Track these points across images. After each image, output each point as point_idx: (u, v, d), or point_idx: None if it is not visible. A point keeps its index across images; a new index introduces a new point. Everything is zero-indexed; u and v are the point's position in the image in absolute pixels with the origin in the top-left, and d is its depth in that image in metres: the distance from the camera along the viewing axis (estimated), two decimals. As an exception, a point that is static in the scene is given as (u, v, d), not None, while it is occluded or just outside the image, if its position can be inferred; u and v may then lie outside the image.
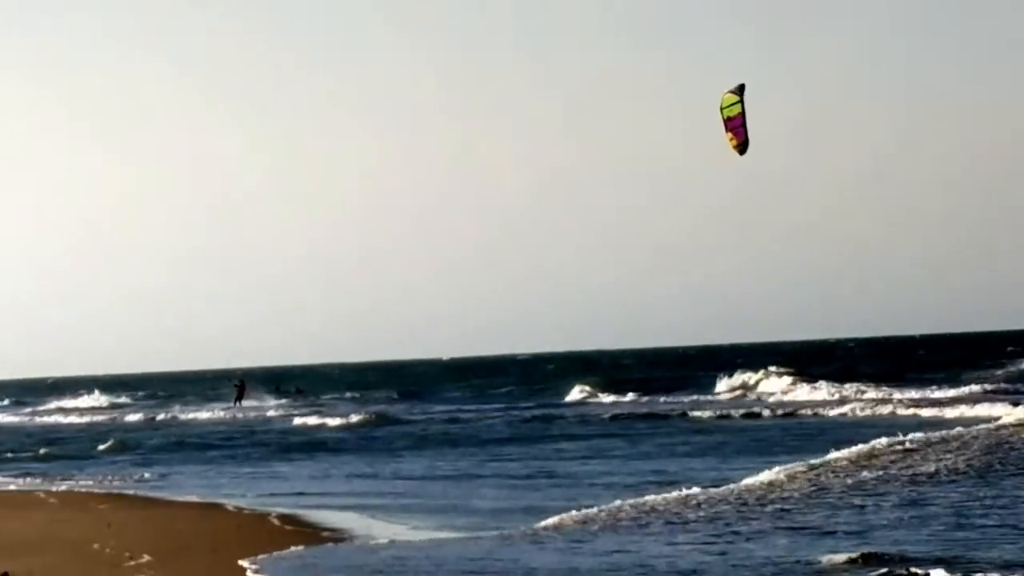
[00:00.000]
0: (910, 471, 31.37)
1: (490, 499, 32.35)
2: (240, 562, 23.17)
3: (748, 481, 30.71)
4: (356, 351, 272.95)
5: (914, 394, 66.97)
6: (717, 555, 22.31)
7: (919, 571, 20.04)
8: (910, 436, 36.91)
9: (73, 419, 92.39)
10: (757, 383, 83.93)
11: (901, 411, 56.18)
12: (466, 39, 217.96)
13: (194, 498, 35.78)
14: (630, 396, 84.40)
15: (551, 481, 36.38)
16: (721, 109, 21.08)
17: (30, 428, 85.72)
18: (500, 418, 69.69)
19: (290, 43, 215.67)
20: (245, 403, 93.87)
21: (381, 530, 28.00)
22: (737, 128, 21.03)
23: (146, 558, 23.77)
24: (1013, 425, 42.69)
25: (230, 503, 33.76)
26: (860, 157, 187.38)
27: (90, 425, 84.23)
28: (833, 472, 31.55)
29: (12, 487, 41.15)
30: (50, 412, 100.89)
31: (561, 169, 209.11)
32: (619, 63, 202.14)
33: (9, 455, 56.50)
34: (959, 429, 40.50)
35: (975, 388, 68.54)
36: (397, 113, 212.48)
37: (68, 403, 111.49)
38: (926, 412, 54.72)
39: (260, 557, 23.73)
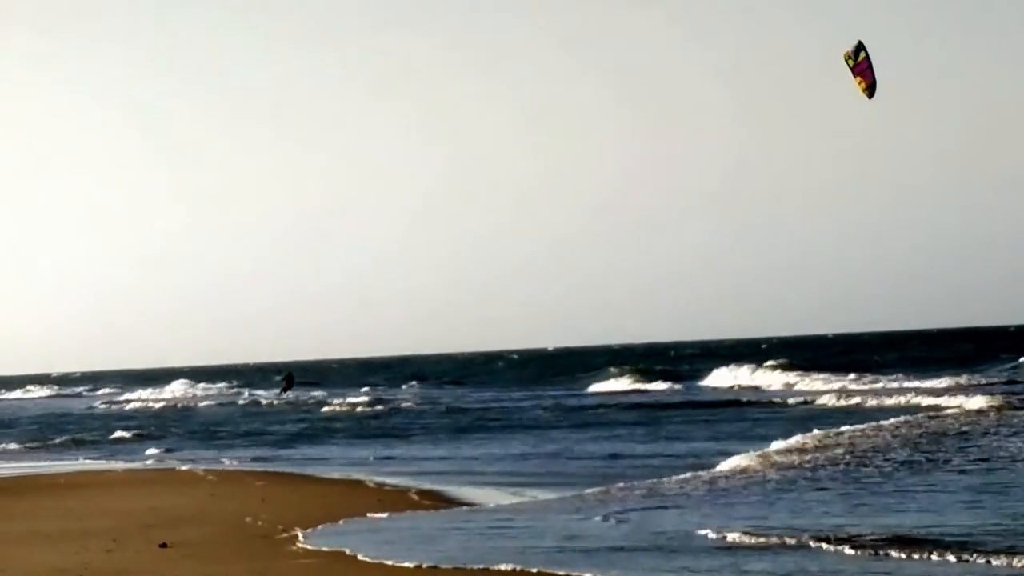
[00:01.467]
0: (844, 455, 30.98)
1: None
2: (296, 532, 22.50)
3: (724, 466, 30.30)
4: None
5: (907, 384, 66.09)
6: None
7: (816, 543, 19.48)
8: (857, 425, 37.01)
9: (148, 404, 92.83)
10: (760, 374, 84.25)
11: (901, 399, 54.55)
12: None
13: (336, 475, 34.65)
14: (665, 385, 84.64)
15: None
16: (845, 60, 20.50)
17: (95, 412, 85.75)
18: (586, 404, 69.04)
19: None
20: (290, 393, 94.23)
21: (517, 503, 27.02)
22: (864, 71, 20.26)
23: (296, 530, 22.81)
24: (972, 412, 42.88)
25: (370, 480, 32.55)
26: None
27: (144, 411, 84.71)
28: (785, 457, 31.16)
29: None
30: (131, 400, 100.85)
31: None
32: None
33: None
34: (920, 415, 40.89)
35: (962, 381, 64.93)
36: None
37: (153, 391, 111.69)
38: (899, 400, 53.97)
39: (320, 527, 23.15)
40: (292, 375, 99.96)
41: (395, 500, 27.67)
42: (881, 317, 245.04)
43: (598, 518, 23.20)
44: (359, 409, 72.24)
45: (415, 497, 28.24)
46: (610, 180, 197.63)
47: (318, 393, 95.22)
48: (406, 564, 19.32)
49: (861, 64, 20.13)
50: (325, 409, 73.87)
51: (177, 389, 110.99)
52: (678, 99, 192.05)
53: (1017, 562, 17.88)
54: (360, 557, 20.10)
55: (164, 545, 21.75)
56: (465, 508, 26.46)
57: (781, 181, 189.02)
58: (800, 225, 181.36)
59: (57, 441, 55.17)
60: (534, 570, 18.44)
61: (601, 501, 25.85)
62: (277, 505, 26.93)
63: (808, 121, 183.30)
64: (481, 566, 18.89)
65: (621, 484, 28.25)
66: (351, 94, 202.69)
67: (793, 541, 19.89)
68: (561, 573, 18.33)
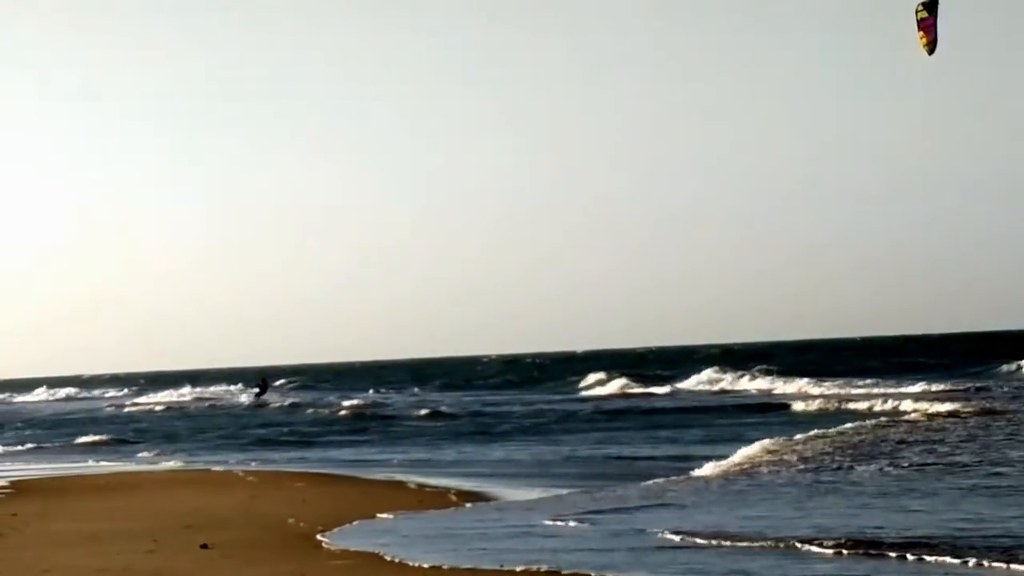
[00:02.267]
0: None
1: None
2: (337, 533, 21.51)
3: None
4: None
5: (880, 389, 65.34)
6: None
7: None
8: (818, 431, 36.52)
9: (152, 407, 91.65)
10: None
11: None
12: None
13: (380, 476, 33.22)
14: (658, 388, 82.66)
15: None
16: (915, 12, 19.87)
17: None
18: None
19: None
20: (265, 397, 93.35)
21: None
22: (928, 27, 19.51)
23: (337, 531, 21.74)
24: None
25: (412, 481, 31.15)
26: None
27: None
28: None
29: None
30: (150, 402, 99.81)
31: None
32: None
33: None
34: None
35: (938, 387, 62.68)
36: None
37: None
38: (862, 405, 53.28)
39: (361, 528, 22.19)
40: (266, 379, 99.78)
41: (437, 501, 26.50)
42: (894, 321, 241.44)
43: (585, 524, 22.36)
44: (347, 413, 71.06)
45: (454, 498, 27.03)
46: (609, 185, 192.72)
47: (313, 396, 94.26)
48: (445, 565, 18.31)
49: (927, 20, 19.43)
50: (327, 412, 72.90)
51: (185, 392, 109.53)
52: (676, 102, 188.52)
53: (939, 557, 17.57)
54: (402, 558, 19.03)
55: (205, 546, 20.68)
56: (498, 507, 25.56)
57: (785, 183, 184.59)
58: (812, 227, 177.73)
59: (25, 447, 52.60)
60: (566, 572, 17.67)
61: (598, 500, 25.34)
62: (318, 506, 25.71)
63: (809, 121, 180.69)
64: (521, 567, 17.99)
65: (616, 486, 27.93)
66: (380, 97, 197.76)
67: (765, 544, 19.23)
68: (592, 574, 17.55)
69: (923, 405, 48.64)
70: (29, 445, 53.66)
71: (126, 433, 59.45)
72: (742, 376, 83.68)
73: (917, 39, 19.49)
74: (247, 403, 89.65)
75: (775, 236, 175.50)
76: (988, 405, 47.20)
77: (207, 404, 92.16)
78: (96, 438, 55.09)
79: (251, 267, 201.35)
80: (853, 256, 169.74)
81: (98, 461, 43.14)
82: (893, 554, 18.09)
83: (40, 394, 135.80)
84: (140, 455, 46.02)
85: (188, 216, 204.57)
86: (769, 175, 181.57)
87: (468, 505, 25.85)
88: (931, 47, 19.46)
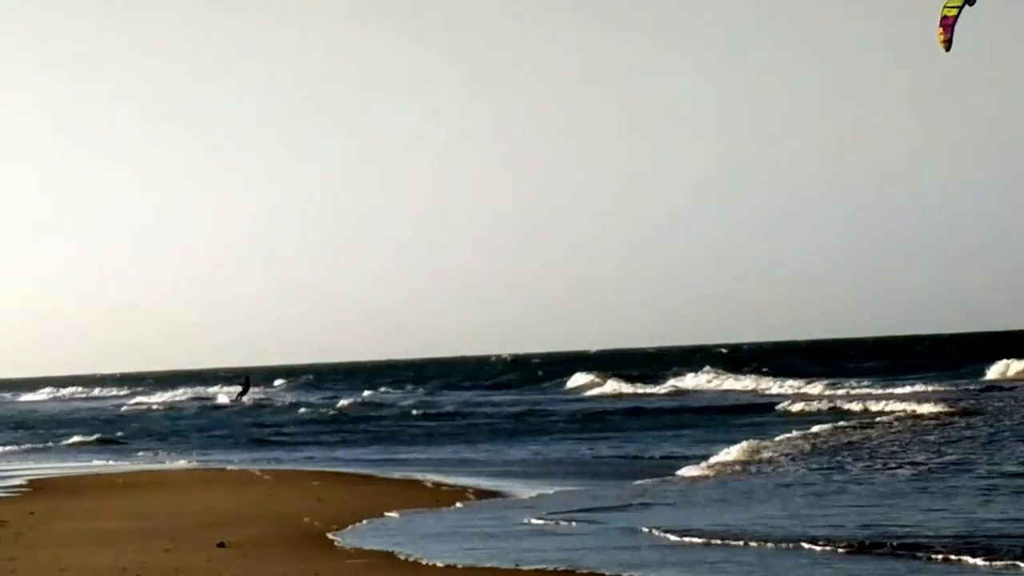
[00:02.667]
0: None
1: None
2: (351, 532, 21.22)
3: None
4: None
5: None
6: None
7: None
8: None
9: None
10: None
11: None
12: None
13: (396, 475, 32.77)
14: (655, 388, 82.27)
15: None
16: (943, 6, 19.89)
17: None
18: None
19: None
20: (251, 395, 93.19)
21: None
22: (948, 26, 19.63)
23: (352, 530, 21.39)
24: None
25: (428, 480, 30.71)
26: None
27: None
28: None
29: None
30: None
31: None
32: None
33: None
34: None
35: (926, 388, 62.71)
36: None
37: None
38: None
39: (375, 527, 21.97)
40: (249, 379, 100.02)
41: (453, 500, 26.08)
42: (894, 321, 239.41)
43: (593, 523, 22.09)
44: (345, 412, 70.75)
45: (471, 497, 26.62)
46: (612, 186, 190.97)
47: (315, 395, 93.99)
48: (459, 564, 18.05)
49: (948, 19, 19.38)
50: (326, 412, 72.60)
51: (185, 391, 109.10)
52: (670, 105, 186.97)
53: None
54: (416, 557, 18.75)
55: (222, 544, 20.40)
56: (510, 505, 25.20)
57: (784, 184, 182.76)
58: (813, 227, 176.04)
59: (22, 448, 51.28)
60: (582, 571, 17.45)
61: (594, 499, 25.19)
62: (334, 505, 25.37)
63: (806, 119, 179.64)
64: (537, 567, 17.76)
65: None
66: (387, 94, 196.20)
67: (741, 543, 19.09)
68: (608, 573, 17.33)
69: (923, 405, 48.33)
70: (11, 447, 51.87)
71: (115, 433, 58.89)
72: (740, 377, 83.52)
73: (936, 34, 19.45)
74: (228, 402, 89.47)
75: (776, 236, 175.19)
76: (990, 405, 46.96)
77: (205, 404, 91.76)
78: (83, 438, 54.22)
79: (255, 268, 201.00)
80: (853, 256, 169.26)
81: (107, 460, 42.82)
82: (920, 553, 17.87)
83: (44, 394, 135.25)
84: (139, 454, 45.71)
85: (196, 217, 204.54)
86: (770, 176, 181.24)
87: (481, 503, 25.58)
88: (947, 45, 19.40)
